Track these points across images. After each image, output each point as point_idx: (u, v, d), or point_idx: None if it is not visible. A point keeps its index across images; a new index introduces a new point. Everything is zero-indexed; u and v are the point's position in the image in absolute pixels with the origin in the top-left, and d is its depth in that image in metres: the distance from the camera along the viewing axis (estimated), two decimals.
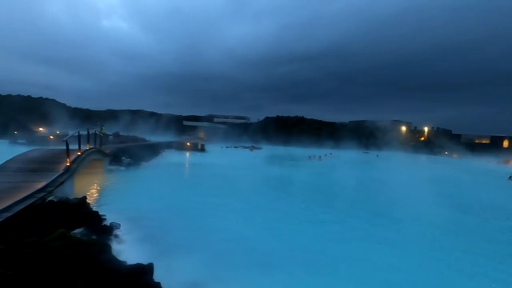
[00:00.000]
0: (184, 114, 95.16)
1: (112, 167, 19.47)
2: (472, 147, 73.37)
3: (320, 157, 39.16)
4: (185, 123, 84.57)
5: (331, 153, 45.88)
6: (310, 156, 39.27)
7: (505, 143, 75.09)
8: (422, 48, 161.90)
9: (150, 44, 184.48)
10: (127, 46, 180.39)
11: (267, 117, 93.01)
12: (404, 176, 27.02)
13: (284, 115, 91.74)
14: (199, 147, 41.68)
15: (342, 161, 38.08)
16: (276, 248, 7.57)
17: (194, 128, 67.39)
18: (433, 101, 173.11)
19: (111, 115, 74.17)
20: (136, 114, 78.87)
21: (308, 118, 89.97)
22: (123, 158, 21.21)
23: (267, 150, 53.90)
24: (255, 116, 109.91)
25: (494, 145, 74.53)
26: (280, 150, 56.37)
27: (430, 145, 75.58)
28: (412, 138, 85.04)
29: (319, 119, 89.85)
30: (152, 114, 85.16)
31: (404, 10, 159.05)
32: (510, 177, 30.19)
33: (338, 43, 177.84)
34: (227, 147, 54.78)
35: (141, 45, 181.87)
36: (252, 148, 55.68)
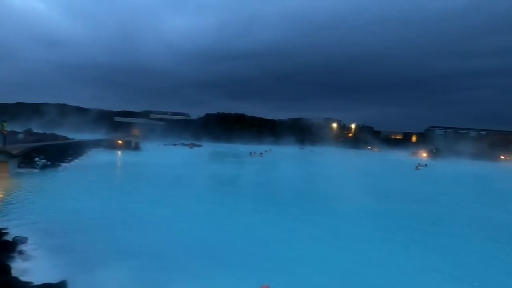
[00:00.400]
0: (116, 110, 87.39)
1: (22, 170, 16.78)
2: (389, 142, 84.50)
3: (261, 153, 40.15)
4: (117, 119, 77.58)
5: (270, 149, 47.46)
6: (251, 153, 39.97)
7: (414, 138, 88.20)
8: (349, 53, 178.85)
9: (75, 30, 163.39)
10: (45, 30, 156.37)
11: (208, 114, 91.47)
12: (334, 169, 29.51)
13: (225, 112, 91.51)
14: (133, 145, 38.72)
15: (281, 157, 39.77)
16: (211, 253, 7.37)
17: (127, 125, 62.30)
18: (359, 101, 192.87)
19: (22, 109, 63.75)
20: (57, 109, 69.38)
21: (248, 115, 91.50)
22: (37, 159, 18.42)
23: (208, 147, 53.10)
24: (196, 113, 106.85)
25: (406, 140, 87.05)
26: (221, 147, 56.19)
27: (356, 141, 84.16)
28: (341, 134, 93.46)
29: (259, 116, 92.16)
30: (78, 109, 76.04)
31: (333, 18, 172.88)
32: (416, 166, 35.63)
33: (276, 43, 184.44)
34: (164, 144, 52.10)
35: (63, 31, 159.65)
36: (192, 145, 54.13)
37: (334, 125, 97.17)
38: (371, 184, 20.86)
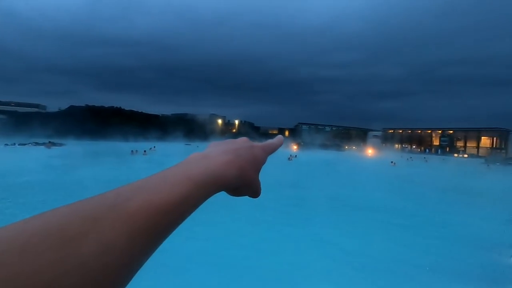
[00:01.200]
0: None
1: None
2: (267, 136, 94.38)
3: (145, 151, 37.25)
4: None
5: (154, 147, 44.72)
6: (132, 151, 36.48)
7: (287, 133, 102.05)
8: (233, 52, 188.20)
9: None
10: None
11: (72, 106, 77.15)
12: None
13: (97, 105, 79.67)
14: None
15: (167, 154, 38.19)
16: None
17: None
18: (241, 98, 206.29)
19: None
20: None
21: (127, 109, 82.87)
22: None
23: (73, 146, 44.90)
24: (55, 104, 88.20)
25: (280, 134, 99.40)
26: (94, 145, 48.65)
27: (239, 136, 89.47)
28: (226, 130, 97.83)
29: (141, 111, 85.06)
30: None
31: (218, 16, 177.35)
32: (289, 157, 41.62)
33: (158, 34, 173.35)
34: (6, 145, 40.43)
35: None
36: (50, 144, 44.42)
37: (219, 121, 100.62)
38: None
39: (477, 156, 70.16)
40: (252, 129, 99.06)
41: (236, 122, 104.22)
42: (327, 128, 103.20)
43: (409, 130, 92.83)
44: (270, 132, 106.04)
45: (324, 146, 79.32)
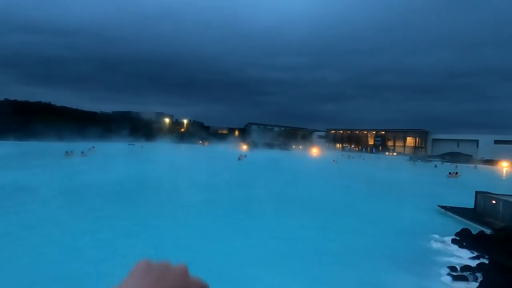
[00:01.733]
0: None
1: None
2: (217, 136, 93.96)
3: (82, 152, 33.74)
4: None
5: (93, 147, 40.91)
6: (67, 152, 32.64)
7: (237, 133, 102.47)
8: (180, 50, 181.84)
9: None
10: None
11: None
12: (167, 164, 29.62)
13: (21, 100, 69.76)
14: None
15: (107, 155, 35.31)
16: None
17: None
18: (190, 97, 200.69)
19: None
20: None
21: (58, 105, 74.26)
22: None
23: None
24: None
25: (230, 134, 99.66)
26: (19, 146, 42.47)
27: (188, 135, 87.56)
28: (174, 129, 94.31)
29: (75, 107, 77.06)
30: None
31: (165, 11, 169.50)
32: (239, 157, 41.98)
33: (96, 24, 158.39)
34: None
35: None
36: None
37: (167, 120, 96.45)
38: (203, 176, 22.79)
39: (403, 154, 79.72)
40: (201, 129, 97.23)
41: (185, 121, 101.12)
42: (276, 128, 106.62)
43: (349, 130, 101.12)
44: (220, 132, 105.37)
45: (272, 146, 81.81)
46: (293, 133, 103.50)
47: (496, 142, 70.34)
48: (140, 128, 76.92)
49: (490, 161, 60.90)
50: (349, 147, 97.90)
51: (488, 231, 10.12)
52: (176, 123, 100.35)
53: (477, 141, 73.67)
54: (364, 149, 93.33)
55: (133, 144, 61.14)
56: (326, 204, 14.86)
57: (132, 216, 10.70)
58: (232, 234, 9.28)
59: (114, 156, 35.21)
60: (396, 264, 7.52)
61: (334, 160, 47.78)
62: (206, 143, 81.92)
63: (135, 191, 15.30)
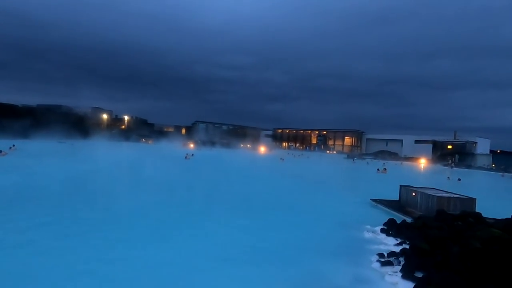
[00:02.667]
0: None
1: None
2: (163, 134, 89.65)
3: (0, 151, 28.90)
4: None
5: (14, 145, 35.38)
6: None
7: (183, 131, 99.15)
8: (121, 41, 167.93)
9: None
10: None
11: None
12: (105, 164, 27.19)
13: None
14: None
15: (31, 155, 30.92)
16: None
17: None
18: (132, 92, 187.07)
19: None
20: None
21: None
22: None
23: None
24: None
25: (177, 132, 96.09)
26: None
27: (130, 133, 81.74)
28: (113, 126, 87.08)
29: None
30: None
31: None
32: (186, 156, 40.64)
33: (16, 4, 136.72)
34: None
35: None
36: None
37: (105, 116, 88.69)
38: (146, 176, 21.48)
39: (342, 152, 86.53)
40: (145, 126, 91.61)
41: (126, 117, 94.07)
42: (224, 127, 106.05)
43: (294, 130, 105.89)
44: (165, 129, 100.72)
45: (221, 144, 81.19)
46: (241, 132, 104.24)
47: (416, 141, 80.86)
48: (73, 124, 69.02)
49: (412, 158, 69.80)
50: (294, 146, 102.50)
51: (409, 220, 11.52)
52: (116, 120, 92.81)
53: (401, 140, 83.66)
54: (307, 148, 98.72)
55: (63, 142, 54.66)
56: (267, 201, 15.30)
57: (65, 228, 9.53)
58: (166, 236, 8.88)
59: (39, 155, 30.98)
60: (332, 255, 8.08)
61: (281, 158, 49.50)
62: (150, 141, 77.52)
63: (64, 195, 13.67)
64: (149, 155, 42.81)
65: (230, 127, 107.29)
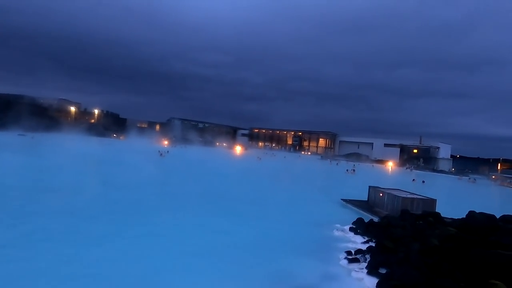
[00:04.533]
0: None
1: None
2: (135, 130, 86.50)
3: None
4: None
5: None
6: None
7: (158, 127, 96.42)
8: (93, 31, 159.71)
9: None
10: None
11: None
12: (71, 159, 25.72)
13: None
14: None
15: None
16: None
17: None
18: (103, 85, 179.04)
19: None
20: None
21: None
22: None
23: None
24: None
25: (150, 128, 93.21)
26: None
27: (100, 128, 78.05)
28: (82, 119, 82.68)
29: None
30: None
31: None
32: (160, 154, 39.53)
33: None
34: None
35: None
36: None
37: (73, 108, 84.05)
38: (116, 174, 20.66)
39: (316, 153, 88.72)
40: (116, 121, 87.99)
41: (96, 111, 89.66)
42: (200, 125, 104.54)
43: (270, 130, 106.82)
44: (138, 125, 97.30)
45: (196, 142, 79.94)
46: (218, 130, 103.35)
47: (385, 145, 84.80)
48: (36, 116, 64.51)
49: (381, 161, 73.11)
50: (270, 145, 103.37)
51: (376, 219, 12.08)
52: (85, 113, 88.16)
53: (372, 144, 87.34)
54: (283, 148, 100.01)
55: (23, 135, 51.01)
56: (242, 200, 15.35)
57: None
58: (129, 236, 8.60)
59: None
60: (303, 253, 8.28)
61: (258, 158, 49.79)
62: (121, 137, 74.50)
63: (6, 191, 12.79)
64: (119, 151, 41.17)
65: (207, 125, 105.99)
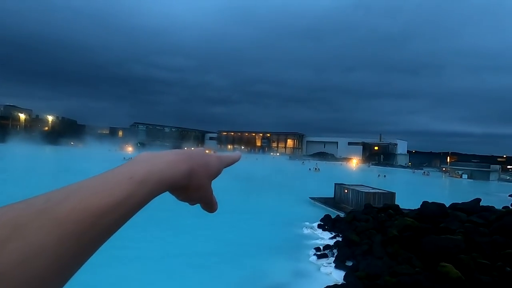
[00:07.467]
0: None
1: None
2: (96, 136, 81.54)
3: None
4: None
5: None
6: None
7: (120, 133, 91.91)
8: (45, 33, 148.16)
9: None
10: None
11: None
12: (19, 170, 23.64)
13: None
14: None
15: None
16: None
17: None
18: (57, 90, 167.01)
19: None
20: None
21: None
22: None
23: None
24: None
25: (112, 135, 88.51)
26: None
27: (55, 135, 72.50)
28: (33, 127, 76.17)
29: None
30: None
31: None
32: (124, 158, 37.72)
33: None
34: None
35: None
36: None
37: (22, 115, 77.18)
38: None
39: (285, 154, 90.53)
40: (73, 128, 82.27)
41: (50, 118, 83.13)
42: (166, 129, 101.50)
43: (239, 132, 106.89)
44: (99, 131, 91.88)
45: (163, 147, 77.39)
46: (185, 134, 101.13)
47: (349, 143, 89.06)
48: None
49: (346, 159, 76.60)
50: (239, 148, 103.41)
51: (342, 215, 12.66)
52: (37, 120, 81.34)
53: (337, 143, 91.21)
54: (252, 150, 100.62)
55: None
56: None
57: None
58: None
59: None
60: (274, 252, 8.44)
61: None
62: (80, 145, 69.84)
63: None
64: (77, 160, 38.54)
65: (173, 129, 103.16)
